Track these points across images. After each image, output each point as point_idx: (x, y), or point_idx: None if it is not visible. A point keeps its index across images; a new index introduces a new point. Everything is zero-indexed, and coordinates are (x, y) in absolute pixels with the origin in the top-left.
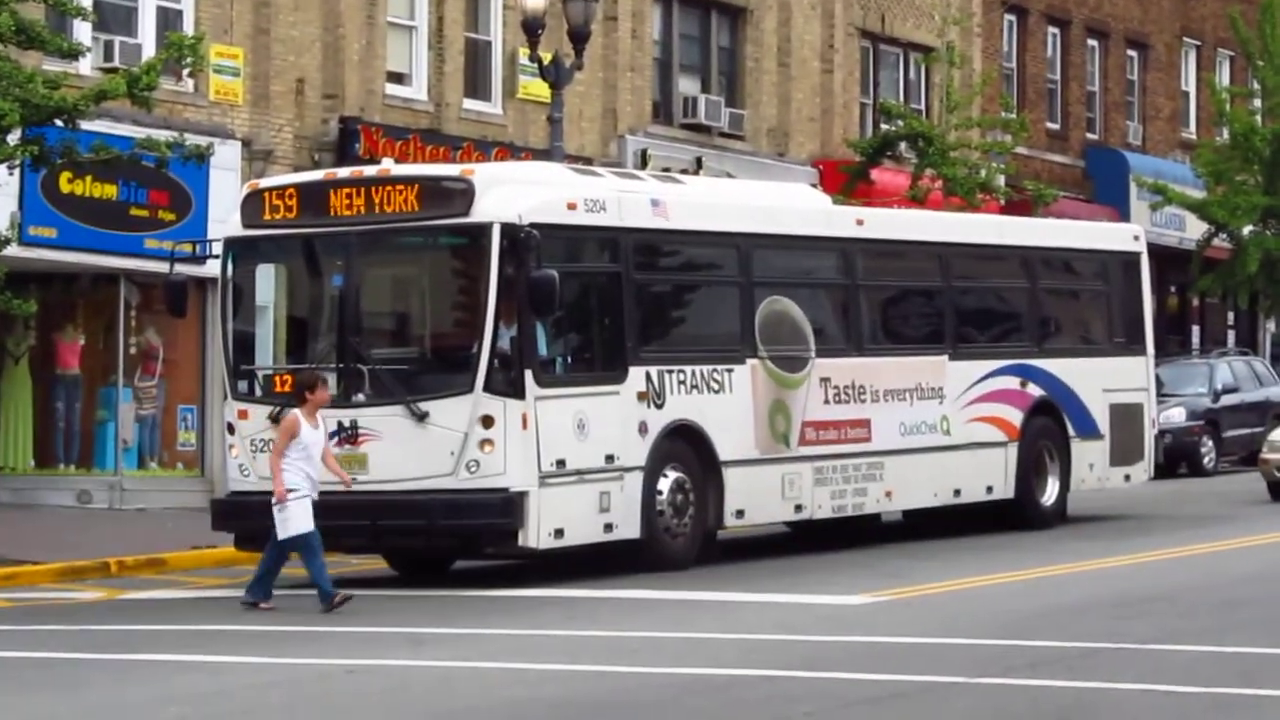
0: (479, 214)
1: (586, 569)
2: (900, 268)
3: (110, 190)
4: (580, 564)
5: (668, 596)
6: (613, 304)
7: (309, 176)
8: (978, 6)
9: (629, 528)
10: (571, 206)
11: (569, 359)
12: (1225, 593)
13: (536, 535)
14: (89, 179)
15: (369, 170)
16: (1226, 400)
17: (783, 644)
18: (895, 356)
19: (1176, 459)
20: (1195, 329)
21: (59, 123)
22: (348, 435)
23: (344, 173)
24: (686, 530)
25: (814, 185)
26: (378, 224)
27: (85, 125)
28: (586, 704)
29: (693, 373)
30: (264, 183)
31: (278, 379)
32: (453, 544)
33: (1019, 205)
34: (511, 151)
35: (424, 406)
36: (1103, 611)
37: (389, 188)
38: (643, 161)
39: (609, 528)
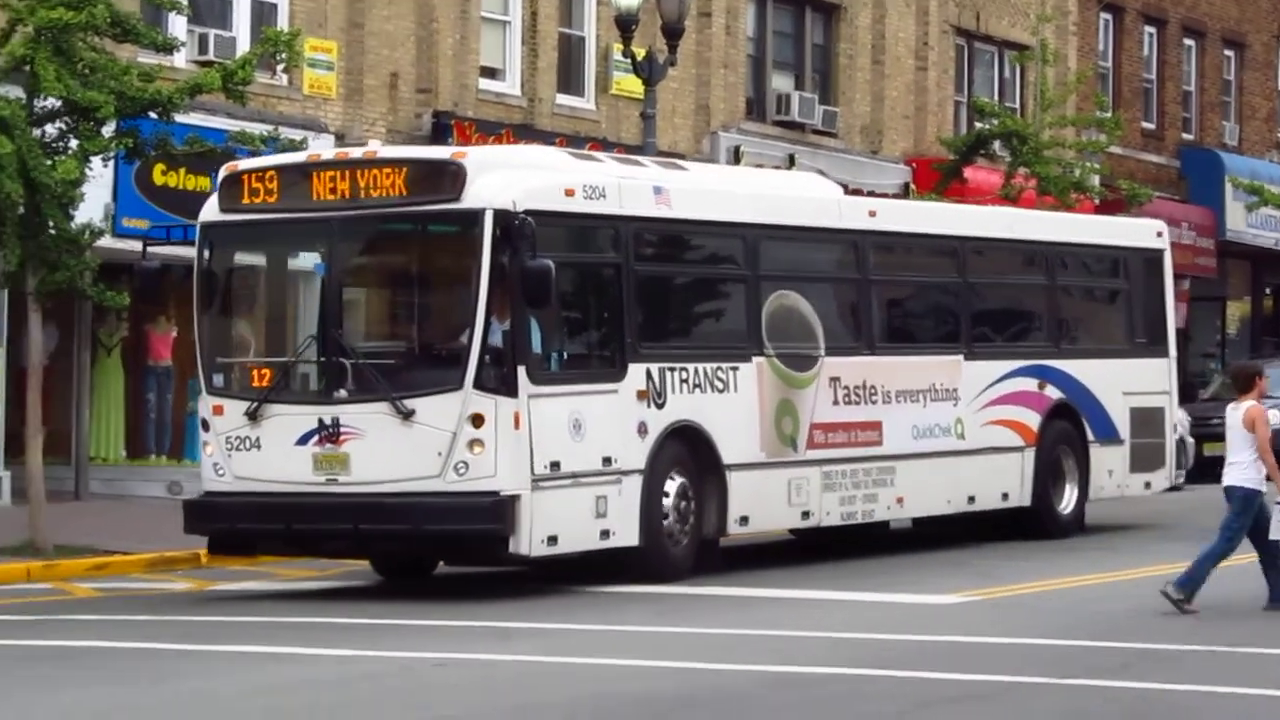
0: (470, 199)
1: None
2: (914, 262)
3: (204, 183)
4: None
5: (759, 594)
6: (611, 297)
7: (290, 158)
8: (1073, 5)
9: (627, 534)
10: (569, 193)
11: (565, 355)
12: None
13: (529, 541)
14: (182, 171)
15: (355, 152)
16: None
17: (869, 642)
18: (908, 356)
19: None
20: None
21: (153, 115)
22: (329, 434)
23: (328, 154)
24: (688, 537)
25: (907, 183)
26: (363, 209)
27: (179, 118)
28: (669, 699)
29: (695, 371)
30: (243, 164)
31: (255, 372)
32: (439, 550)
33: (1113, 205)
34: (604, 147)
35: (410, 404)
36: (1190, 614)
37: (375, 170)
38: (736, 158)
39: (606, 534)
